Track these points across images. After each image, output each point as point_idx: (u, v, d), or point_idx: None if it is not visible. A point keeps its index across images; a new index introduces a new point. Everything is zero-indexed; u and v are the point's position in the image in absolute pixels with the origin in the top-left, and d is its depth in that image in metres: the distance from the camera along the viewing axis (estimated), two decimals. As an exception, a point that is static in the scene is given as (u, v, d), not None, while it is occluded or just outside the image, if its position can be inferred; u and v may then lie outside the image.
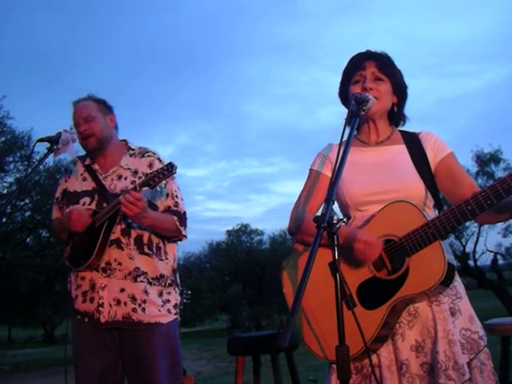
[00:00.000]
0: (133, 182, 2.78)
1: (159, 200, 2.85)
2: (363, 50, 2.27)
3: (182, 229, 2.86)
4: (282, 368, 3.84)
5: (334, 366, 2.06)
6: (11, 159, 15.46)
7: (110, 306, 2.72)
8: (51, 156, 2.68)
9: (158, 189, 2.67)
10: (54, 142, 2.65)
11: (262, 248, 31.66)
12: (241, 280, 30.26)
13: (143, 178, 2.61)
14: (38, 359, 17.23)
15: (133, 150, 2.97)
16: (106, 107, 2.97)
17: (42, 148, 2.71)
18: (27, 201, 16.03)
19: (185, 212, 2.92)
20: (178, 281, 2.96)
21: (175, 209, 2.87)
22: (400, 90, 2.27)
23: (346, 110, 2.32)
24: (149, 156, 2.92)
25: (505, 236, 22.29)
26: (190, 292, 4.73)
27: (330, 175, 2.22)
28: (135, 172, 2.86)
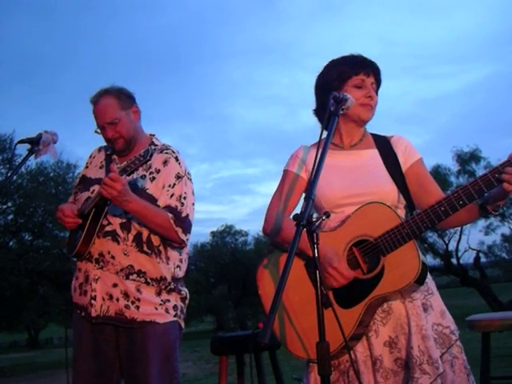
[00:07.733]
0: (143, 176, 2.68)
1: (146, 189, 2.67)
2: (356, 54, 2.27)
3: (177, 229, 2.62)
4: (266, 368, 3.84)
5: (312, 364, 2.09)
6: (-8, 162, 15.34)
7: (103, 299, 2.61)
8: (33, 158, 2.64)
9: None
10: (34, 143, 2.62)
11: (247, 249, 31.68)
12: (226, 281, 30.25)
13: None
14: (23, 364, 17.08)
15: (155, 145, 2.81)
16: (127, 99, 2.79)
17: (24, 150, 2.67)
18: (10, 204, 15.94)
19: (187, 216, 2.68)
20: (183, 291, 2.75)
21: (175, 208, 2.65)
22: None
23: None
24: (166, 153, 2.75)
25: (487, 234, 22.54)
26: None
27: (306, 178, 2.28)
28: (149, 166, 2.70)
